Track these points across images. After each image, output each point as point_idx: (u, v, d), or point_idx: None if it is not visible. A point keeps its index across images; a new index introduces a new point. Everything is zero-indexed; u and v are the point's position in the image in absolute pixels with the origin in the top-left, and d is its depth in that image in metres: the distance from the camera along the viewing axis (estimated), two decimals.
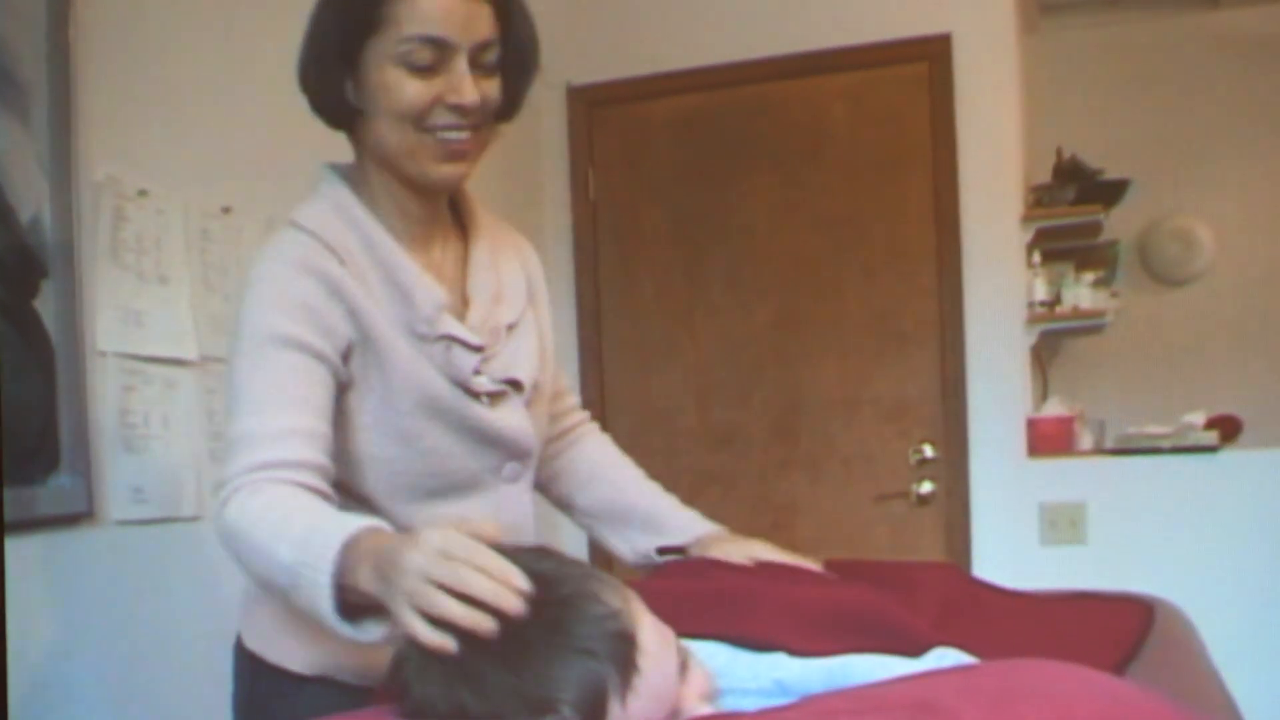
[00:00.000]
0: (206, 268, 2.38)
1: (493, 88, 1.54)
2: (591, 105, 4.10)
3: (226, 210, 2.44)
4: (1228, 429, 3.78)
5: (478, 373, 1.59)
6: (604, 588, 1.10)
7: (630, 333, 4.17)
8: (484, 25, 1.51)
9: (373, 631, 1.24)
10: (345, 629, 1.25)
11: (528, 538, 1.64)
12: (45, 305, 2.03)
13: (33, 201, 2.01)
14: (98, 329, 2.12)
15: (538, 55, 1.61)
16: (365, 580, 1.20)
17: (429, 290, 1.57)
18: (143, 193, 2.23)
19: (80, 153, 2.10)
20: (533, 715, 1.02)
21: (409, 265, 1.57)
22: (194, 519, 2.32)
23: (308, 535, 1.29)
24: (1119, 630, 1.63)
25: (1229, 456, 3.69)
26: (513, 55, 1.56)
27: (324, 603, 1.25)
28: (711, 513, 1.84)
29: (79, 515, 2.08)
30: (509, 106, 1.60)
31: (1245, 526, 3.60)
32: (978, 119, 3.85)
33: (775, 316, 4.03)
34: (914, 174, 3.91)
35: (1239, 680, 1.78)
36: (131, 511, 2.19)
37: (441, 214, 1.65)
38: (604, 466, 1.91)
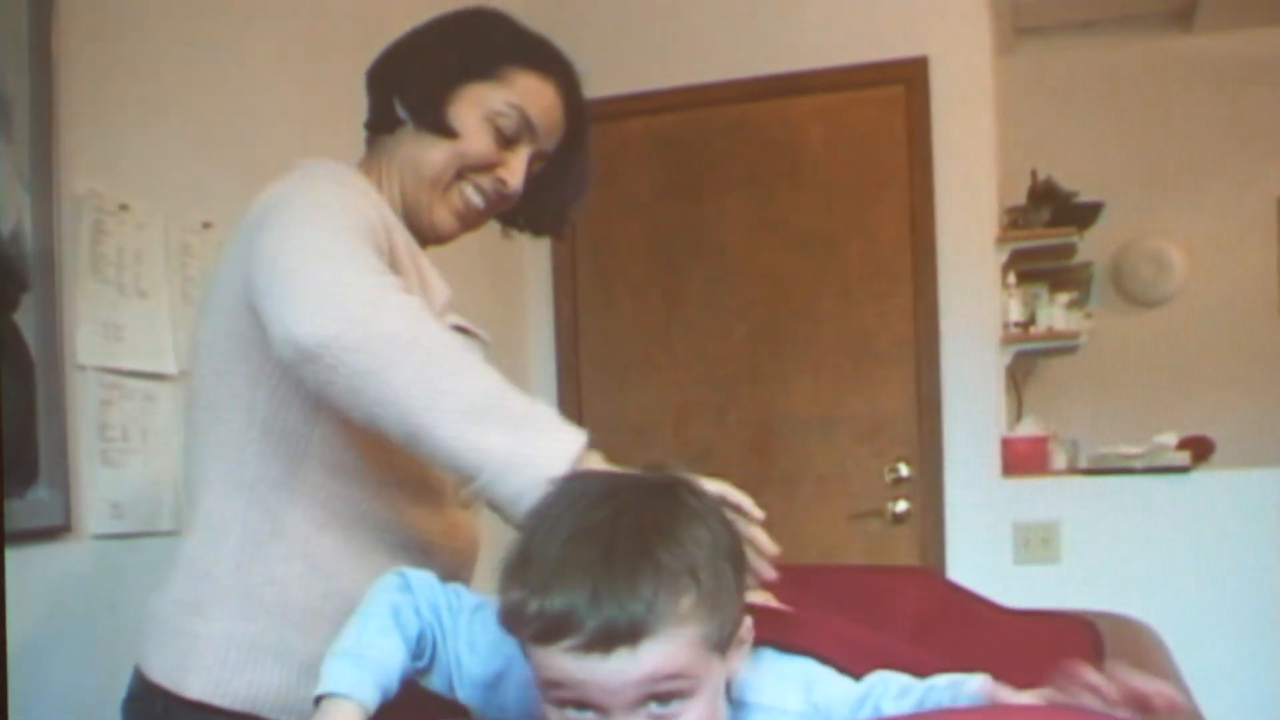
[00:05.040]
0: (186, 282, 2.38)
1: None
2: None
3: (207, 225, 2.44)
4: (1200, 449, 3.81)
5: None
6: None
7: (607, 350, 4.18)
8: (554, 141, 1.63)
9: None
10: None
11: (474, 559, 1.63)
12: (25, 318, 2.02)
13: (13, 214, 2.01)
14: (77, 342, 2.12)
15: (587, 188, 1.72)
16: None
17: (440, 280, 1.59)
18: (124, 207, 2.24)
19: (61, 166, 2.10)
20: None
21: (420, 252, 1.59)
22: (172, 533, 2.31)
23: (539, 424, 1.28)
24: (1079, 646, 1.64)
25: (1201, 477, 3.71)
26: (568, 179, 1.69)
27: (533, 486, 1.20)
28: None
29: (56, 529, 2.07)
30: (561, 222, 1.74)
31: (1217, 546, 3.63)
32: (953, 141, 3.88)
33: (751, 335, 4.04)
34: (890, 195, 3.93)
35: (1210, 699, 1.80)
36: (109, 526, 2.18)
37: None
38: None
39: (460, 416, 1.24)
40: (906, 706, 1.15)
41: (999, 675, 1.17)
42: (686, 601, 1.04)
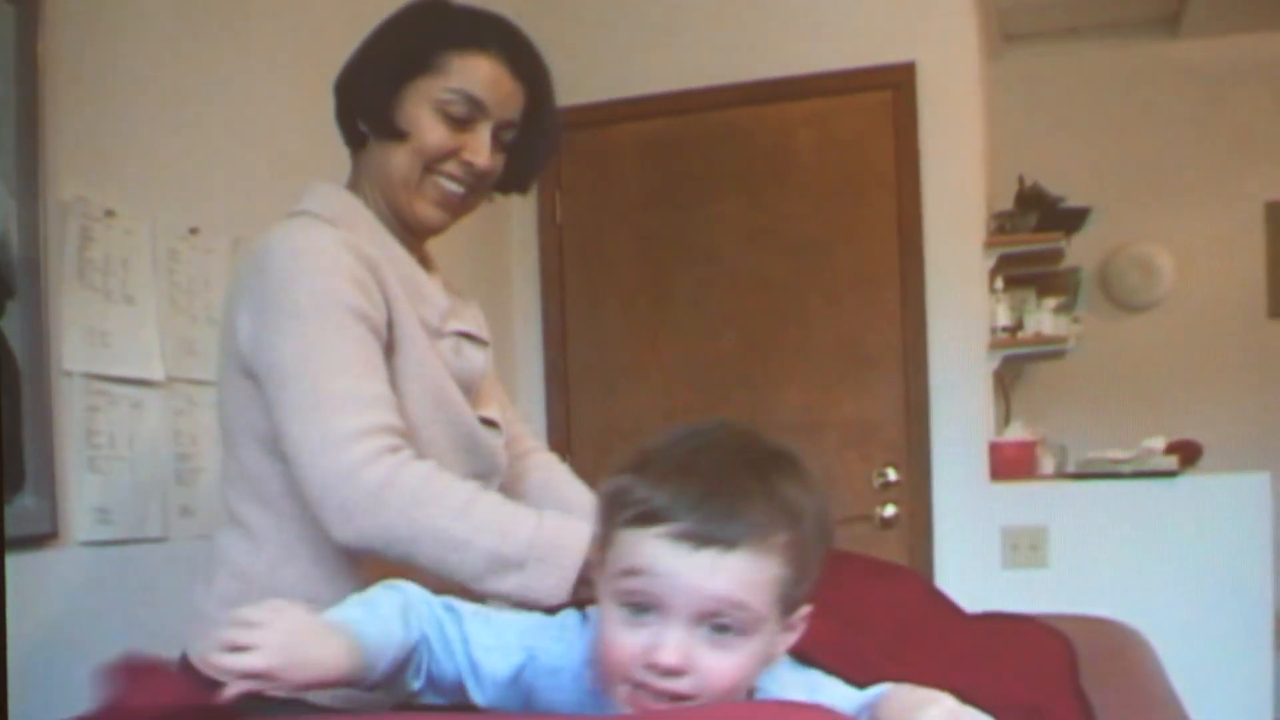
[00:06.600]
0: (174, 288, 2.38)
1: (499, 162, 1.69)
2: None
3: (194, 231, 2.44)
4: (1187, 454, 3.81)
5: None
6: None
7: (596, 356, 4.17)
8: (515, 107, 1.67)
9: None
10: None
11: None
12: (11, 325, 2.01)
13: None
14: (64, 349, 2.11)
15: (558, 144, 1.79)
16: None
17: (436, 289, 1.67)
18: (110, 213, 2.23)
19: (48, 172, 2.09)
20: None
21: (416, 264, 1.66)
22: (160, 540, 2.31)
23: (540, 522, 1.45)
24: (1055, 655, 1.64)
25: (1188, 481, 3.72)
26: (539, 139, 1.72)
27: (561, 581, 1.41)
28: None
29: (43, 536, 2.07)
30: (525, 181, 1.78)
31: (1204, 550, 3.63)
32: (941, 146, 3.88)
33: (740, 340, 4.04)
34: (878, 200, 3.93)
35: (1198, 703, 1.80)
36: (96, 532, 2.17)
37: (420, 253, 1.73)
38: (557, 484, 1.92)
39: (476, 576, 1.43)
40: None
41: (971, 685, 1.18)
42: (781, 536, 1.08)
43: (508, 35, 1.67)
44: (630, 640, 1.09)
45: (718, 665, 1.08)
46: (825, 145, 3.99)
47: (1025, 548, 3.77)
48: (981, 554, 3.81)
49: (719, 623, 1.07)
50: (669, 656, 1.06)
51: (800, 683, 1.22)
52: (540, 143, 1.74)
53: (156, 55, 2.40)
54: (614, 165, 4.14)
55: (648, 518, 1.07)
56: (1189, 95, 5.10)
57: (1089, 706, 1.45)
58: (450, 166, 1.64)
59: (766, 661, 1.13)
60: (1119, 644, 1.84)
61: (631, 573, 1.08)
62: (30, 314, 2.05)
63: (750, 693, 1.17)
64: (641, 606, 1.08)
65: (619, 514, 1.10)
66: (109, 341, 2.22)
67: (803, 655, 1.23)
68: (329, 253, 1.52)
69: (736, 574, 1.06)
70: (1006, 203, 4.24)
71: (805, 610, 1.16)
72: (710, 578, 1.06)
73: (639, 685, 1.09)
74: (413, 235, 1.70)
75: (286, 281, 1.49)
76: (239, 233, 2.54)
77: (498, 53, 1.64)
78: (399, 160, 1.63)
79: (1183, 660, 2.03)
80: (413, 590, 1.22)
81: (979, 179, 3.96)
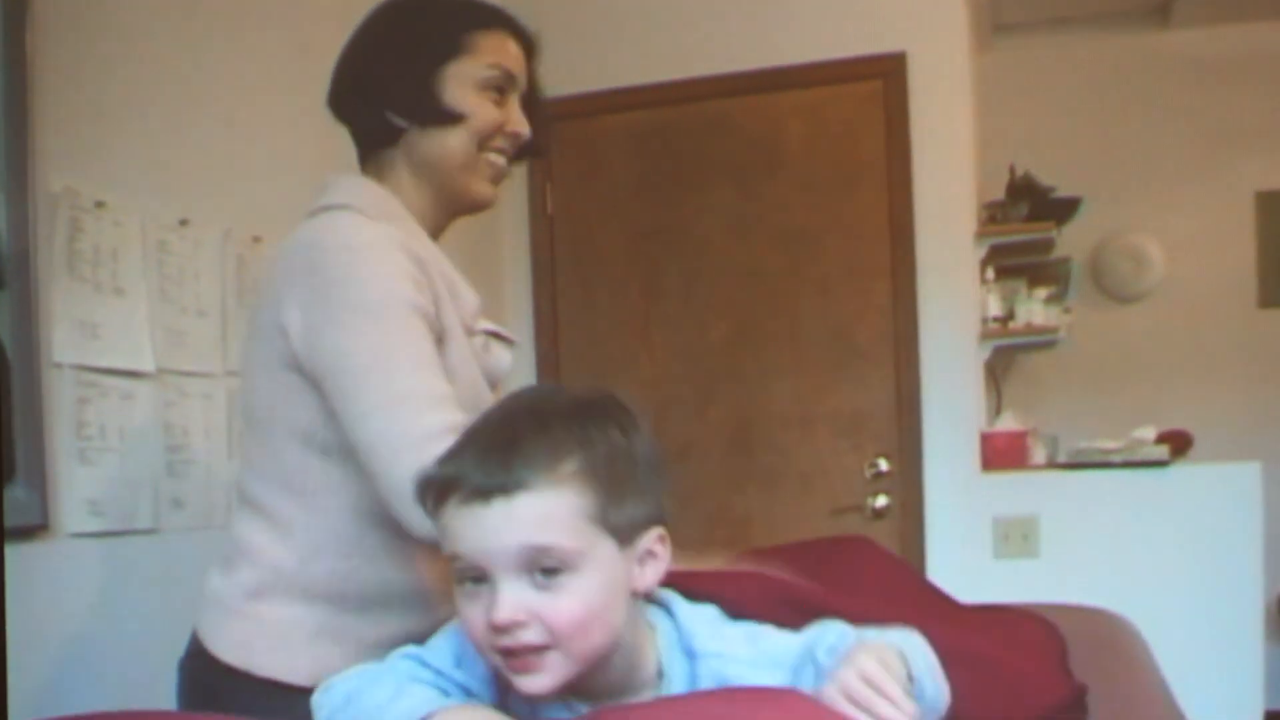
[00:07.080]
0: (164, 280, 2.37)
1: None
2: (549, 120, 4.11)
3: (184, 222, 2.43)
4: (1178, 443, 3.82)
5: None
6: None
7: (587, 346, 4.17)
8: (524, 76, 1.72)
9: None
10: None
11: None
12: (0, 317, 2.01)
13: None
14: (54, 341, 2.11)
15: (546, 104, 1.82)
16: None
17: (469, 288, 1.68)
18: (100, 204, 2.23)
19: (37, 164, 2.08)
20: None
21: (447, 261, 1.67)
22: (150, 532, 2.31)
23: None
24: (1046, 643, 1.65)
25: (1179, 471, 3.72)
26: (536, 101, 1.75)
27: None
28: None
29: (34, 528, 2.06)
30: (543, 142, 1.80)
31: (1195, 540, 3.64)
32: (932, 136, 3.88)
33: (731, 331, 4.04)
34: (869, 190, 3.93)
35: (1188, 692, 1.81)
36: (87, 524, 2.17)
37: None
38: None
39: None
40: (837, 660, 1.17)
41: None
42: (568, 466, 1.11)
43: (503, 11, 1.71)
44: (474, 613, 1.12)
45: (555, 606, 1.10)
46: (815, 135, 3.99)
47: (1016, 538, 3.78)
48: (973, 544, 3.81)
49: (543, 566, 1.10)
50: (500, 614, 1.09)
51: (739, 634, 1.24)
52: (538, 104, 1.77)
53: (146, 47, 2.39)
54: (604, 156, 4.14)
55: (442, 493, 1.12)
56: (1180, 85, 5.10)
57: (1080, 686, 1.46)
58: (499, 141, 1.68)
59: (618, 587, 1.15)
60: (1110, 634, 1.85)
61: (454, 555, 1.12)
62: (20, 306, 2.04)
63: (693, 656, 1.21)
64: (475, 579, 1.12)
65: (425, 499, 1.15)
66: (99, 333, 2.21)
67: (734, 610, 1.27)
68: (384, 249, 1.52)
69: (531, 515, 1.09)
70: (997, 193, 4.24)
71: (656, 533, 1.18)
72: (506, 527, 1.09)
73: (499, 651, 1.11)
74: (453, 217, 1.73)
75: (348, 278, 1.50)
76: (229, 224, 2.53)
77: (508, 28, 1.69)
78: (455, 143, 1.65)
79: (1173, 650, 2.03)
80: (374, 664, 1.25)
81: (970, 169, 3.96)
